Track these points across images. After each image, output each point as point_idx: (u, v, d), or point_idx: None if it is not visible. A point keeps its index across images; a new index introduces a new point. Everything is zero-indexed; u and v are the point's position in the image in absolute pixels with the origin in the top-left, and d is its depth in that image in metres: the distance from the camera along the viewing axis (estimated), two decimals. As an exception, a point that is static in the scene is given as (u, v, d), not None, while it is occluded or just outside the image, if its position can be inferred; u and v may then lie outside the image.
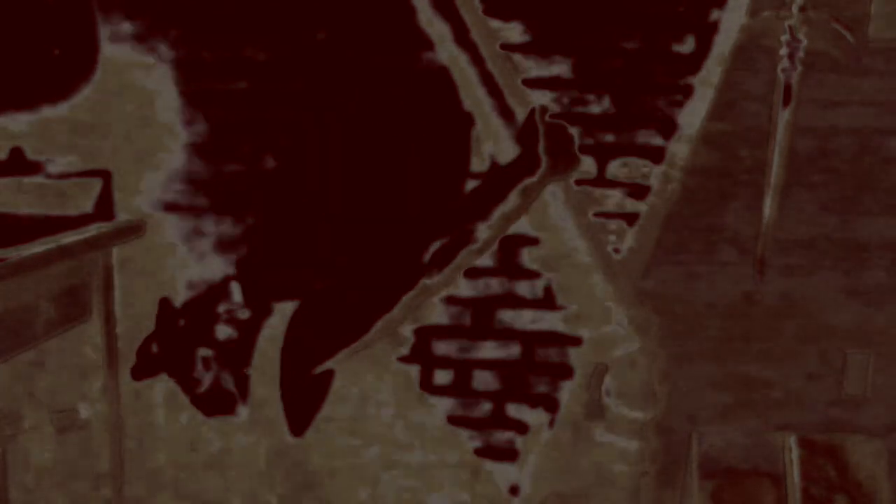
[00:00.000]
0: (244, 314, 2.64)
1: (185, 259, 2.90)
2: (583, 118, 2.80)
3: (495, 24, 2.76)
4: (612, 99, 2.79)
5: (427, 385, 2.94)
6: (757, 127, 2.81)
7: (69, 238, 2.61)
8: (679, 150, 2.82)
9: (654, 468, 2.97)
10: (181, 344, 2.61)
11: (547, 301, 2.88)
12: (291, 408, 2.66)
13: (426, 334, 2.93)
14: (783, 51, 2.74)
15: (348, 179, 2.84)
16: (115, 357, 2.90)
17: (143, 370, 2.67)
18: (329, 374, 2.74)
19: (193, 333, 2.61)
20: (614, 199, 2.85)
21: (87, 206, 2.87)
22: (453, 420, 2.96)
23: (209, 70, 2.81)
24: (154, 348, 2.63)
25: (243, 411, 2.66)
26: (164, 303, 2.67)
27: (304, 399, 2.69)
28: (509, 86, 2.78)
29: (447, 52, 2.76)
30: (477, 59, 2.76)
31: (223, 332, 2.62)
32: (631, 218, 2.86)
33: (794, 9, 2.71)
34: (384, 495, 2.95)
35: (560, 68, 2.78)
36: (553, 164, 2.61)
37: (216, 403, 2.64)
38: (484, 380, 2.94)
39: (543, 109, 2.67)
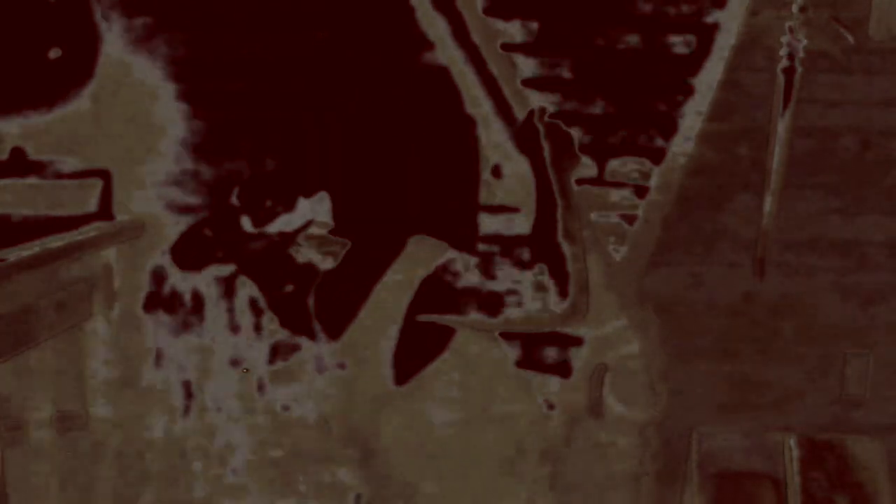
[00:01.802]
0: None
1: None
2: (583, 118, 2.80)
3: (496, 23, 2.76)
4: (612, 99, 2.79)
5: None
6: (757, 127, 2.81)
7: (69, 238, 2.61)
8: (679, 149, 2.82)
9: (654, 468, 2.97)
10: (269, 247, 2.61)
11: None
12: (401, 357, 2.69)
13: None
14: (783, 51, 2.74)
15: (348, 178, 2.84)
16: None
17: (193, 258, 2.66)
18: (450, 332, 2.78)
19: (283, 241, 2.62)
20: (614, 198, 2.85)
21: (88, 206, 2.87)
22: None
23: (209, 70, 2.81)
24: (208, 233, 2.62)
25: (322, 342, 2.69)
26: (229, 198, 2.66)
27: (417, 351, 2.73)
28: (509, 86, 2.78)
29: (447, 52, 2.76)
30: (477, 60, 2.76)
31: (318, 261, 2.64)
32: (631, 218, 2.86)
33: (794, 9, 2.71)
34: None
35: (560, 68, 2.78)
36: (554, 164, 2.62)
37: (296, 319, 2.67)
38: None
39: (542, 110, 2.67)
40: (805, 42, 2.73)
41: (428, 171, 2.83)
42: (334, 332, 2.79)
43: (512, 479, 2.97)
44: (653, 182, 2.84)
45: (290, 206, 2.71)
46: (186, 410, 2.92)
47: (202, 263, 2.77)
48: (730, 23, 2.74)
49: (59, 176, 2.87)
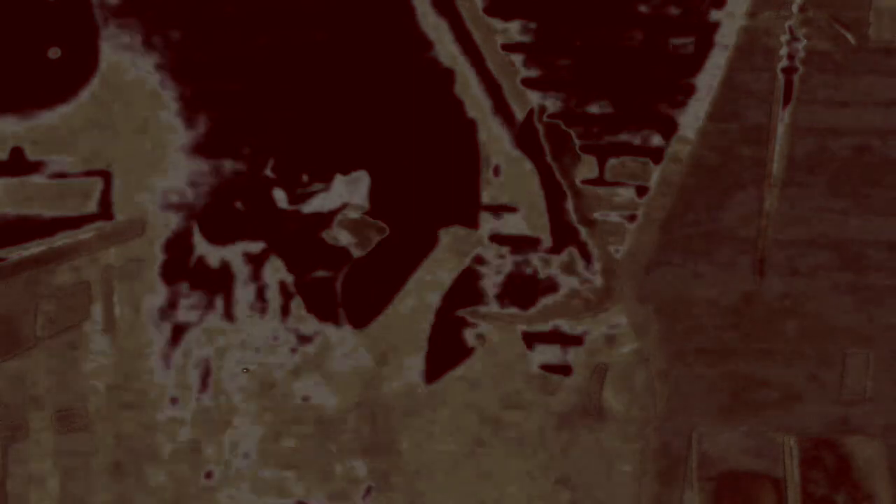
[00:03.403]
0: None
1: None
2: (583, 118, 2.80)
3: (496, 23, 2.76)
4: (612, 99, 2.79)
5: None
6: (757, 127, 2.81)
7: (69, 238, 2.61)
8: (679, 149, 2.82)
9: (654, 468, 2.97)
10: (299, 223, 2.59)
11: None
12: (433, 357, 2.69)
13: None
14: (783, 51, 2.74)
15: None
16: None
17: (223, 230, 2.64)
18: (481, 338, 2.79)
19: (316, 221, 2.60)
20: (614, 198, 2.85)
21: (88, 206, 2.87)
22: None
23: (209, 70, 2.80)
24: (239, 206, 2.60)
25: (346, 328, 2.69)
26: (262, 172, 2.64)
27: (448, 352, 2.74)
28: (509, 86, 2.78)
29: (447, 52, 2.76)
30: (477, 60, 2.76)
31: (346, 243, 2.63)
32: (631, 217, 2.86)
33: (794, 9, 2.71)
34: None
35: (560, 68, 2.78)
36: (556, 161, 2.62)
37: (323, 305, 2.66)
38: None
39: (542, 110, 2.68)
40: (805, 42, 2.73)
41: (429, 171, 2.83)
42: (360, 322, 2.78)
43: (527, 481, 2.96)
44: (653, 182, 2.84)
45: (327, 180, 2.67)
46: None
47: (232, 237, 2.73)
48: (730, 22, 2.74)
49: (59, 176, 2.87)
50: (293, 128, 2.74)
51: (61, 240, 2.57)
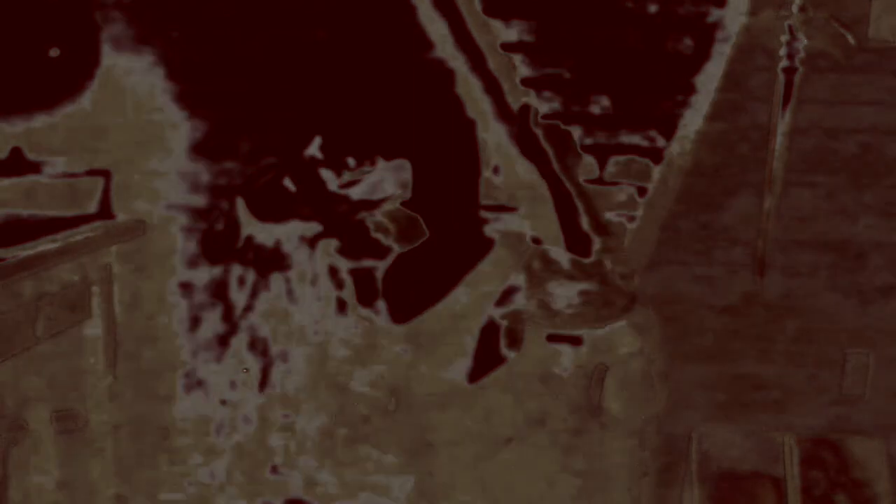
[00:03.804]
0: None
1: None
2: (583, 118, 2.80)
3: (496, 23, 2.77)
4: (612, 99, 2.79)
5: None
6: (757, 126, 2.81)
7: (69, 238, 2.61)
8: (679, 149, 2.82)
9: (654, 468, 2.97)
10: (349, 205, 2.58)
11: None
12: (480, 354, 2.71)
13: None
14: (783, 51, 2.74)
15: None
16: (114, 357, 2.90)
17: (272, 209, 2.63)
18: (522, 332, 2.78)
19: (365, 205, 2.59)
20: (614, 198, 2.85)
21: (88, 206, 2.87)
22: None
23: (208, 70, 2.81)
24: (290, 185, 2.59)
25: (383, 311, 2.67)
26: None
27: (493, 350, 2.73)
28: (509, 86, 2.78)
29: (448, 52, 2.76)
30: (477, 60, 2.76)
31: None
32: (631, 217, 2.86)
33: (794, 9, 2.71)
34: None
35: (560, 68, 2.78)
36: (560, 164, 2.63)
37: (368, 294, 2.64)
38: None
39: (535, 110, 2.68)
40: (805, 42, 2.73)
41: (429, 171, 2.83)
42: (400, 317, 2.76)
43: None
44: (653, 181, 2.84)
45: (371, 163, 2.65)
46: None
47: (282, 216, 2.69)
48: (730, 22, 2.74)
49: (59, 176, 2.87)
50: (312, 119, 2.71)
51: (61, 240, 2.57)
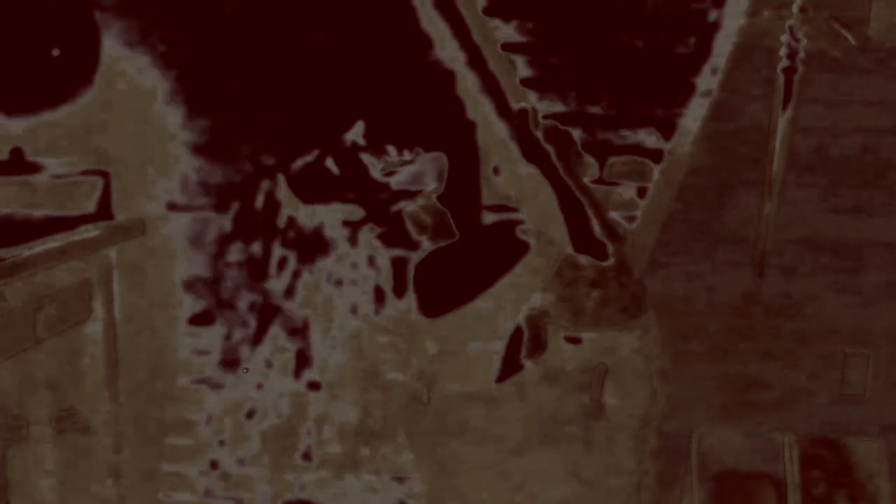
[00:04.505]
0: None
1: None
2: (583, 118, 2.80)
3: (496, 23, 2.77)
4: (612, 99, 2.79)
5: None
6: (757, 127, 2.81)
7: (69, 238, 2.61)
8: (679, 149, 2.82)
9: (654, 468, 2.97)
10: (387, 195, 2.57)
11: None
12: (510, 356, 2.72)
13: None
14: (783, 51, 2.74)
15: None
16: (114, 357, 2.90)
17: (314, 189, 2.61)
18: (545, 333, 2.78)
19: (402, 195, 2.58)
20: (614, 198, 2.85)
21: (88, 206, 2.87)
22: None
23: (208, 70, 2.81)
24: (334, 168, 2.58)
25: (414, 303, 2.66)
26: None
27: (520, 354, 2.75)
28: (510, 86, 2.78)
29: (448, 52, 2.76)
30: (477, 60, 2.76)
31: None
32: (631, 218, 2.86)
33: (794, 9, 2.71)
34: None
35: (560, 68, 2.78)
36: (563, 165, 2.63)
37: (400, 279, 2.63)
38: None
39: (533, 113, 2.67)
40: (805, 42, 2.73)
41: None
42: (431, 313, 2.74)
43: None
44: (653, 182, 2.84)
45: (410, 150, 2.63)
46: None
47: (325, 198, 2.67)
48: (730, 22, 2.74)
49: (59, 176, 2.87)
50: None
51: (61, 240, 2.57)
